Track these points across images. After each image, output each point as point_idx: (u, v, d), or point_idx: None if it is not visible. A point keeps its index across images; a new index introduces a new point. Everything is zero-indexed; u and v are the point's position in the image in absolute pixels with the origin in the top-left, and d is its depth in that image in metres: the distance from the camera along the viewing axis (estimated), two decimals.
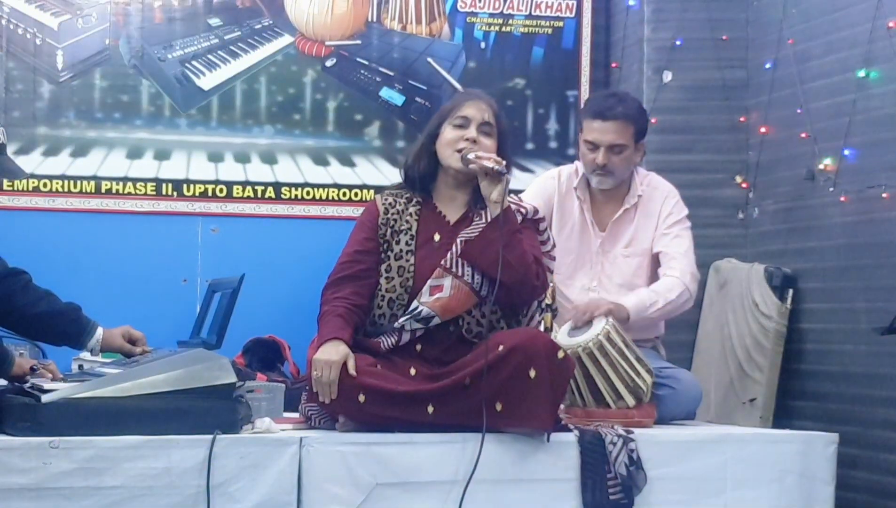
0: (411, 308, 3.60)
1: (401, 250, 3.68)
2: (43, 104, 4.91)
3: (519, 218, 3.68)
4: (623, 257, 4.35)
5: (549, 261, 3.75)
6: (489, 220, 3.60)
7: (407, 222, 3.71)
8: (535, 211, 3.77)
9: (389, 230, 3.70)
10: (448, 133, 3.71)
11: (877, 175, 4.36)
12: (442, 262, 3.62)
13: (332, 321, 3.56)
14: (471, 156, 3.61)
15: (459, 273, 3.60)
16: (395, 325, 3.60)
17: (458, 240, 3.63)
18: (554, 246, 3.81)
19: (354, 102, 5.18)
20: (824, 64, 4.66)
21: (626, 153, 4.29)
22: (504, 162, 3.61)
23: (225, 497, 3.22)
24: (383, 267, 3.67)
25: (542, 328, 3.78)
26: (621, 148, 4.27)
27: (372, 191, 4.89)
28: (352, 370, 3.44)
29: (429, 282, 3.60)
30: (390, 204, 3.74)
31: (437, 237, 3.69)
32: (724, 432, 3.95)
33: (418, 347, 3.62)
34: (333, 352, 3.46)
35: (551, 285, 3.82)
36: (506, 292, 3.56)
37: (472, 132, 3.68)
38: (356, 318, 3.61)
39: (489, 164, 3.57)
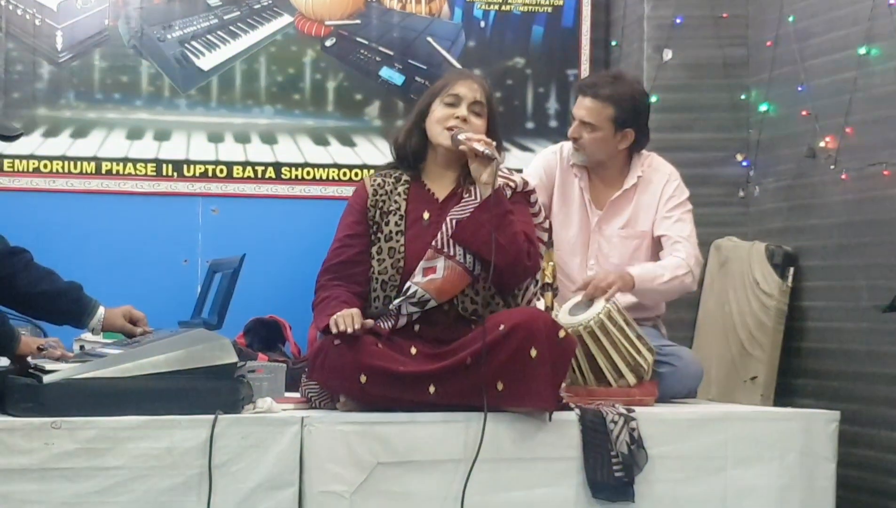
0: (405, 289, 3.59)
1: (390, 232, 3.66)
2: (42, 85, 4.90)
3: (508, 193, 3.66)
4: (620, 238, 4.34)
5: (541, 232, 3.73)
6: (479, 198, 3.57)
7: (396, 202, 3.69)
8: (525, 183, 3.75)
9: (378, 212, 3.69)
10: (438, 111, 3.69)
11: (878, 153, 4.36)
12: (433, 243, 3.60)
13: (337, 307, 3.54)
14: (461, 137, 3.58)
15: (451, 253, 3.58)
16: (391, 307, 3.59)
17: (449, 219, 3.60)
18: (546, 217, 3.80)
19: (354, 82, 5.17)
20: (825, 41, 4.65)
21: (599, 134, 4.28)
22: (494, 145, 3.58)
23: (227, 476, 3.23)
24: (374, 249, 3.66)
25: (542, 307, 3.78)
26: (592, 127, 4.27)
27: (372, 171, 4.89)
28: (369, 323, 3.45)
29: (421, 264, 3.58)
30: (379, 185, 3.73)
31: (426, 216, 3.67)
32: (725, 410, 3.95)
33: (416, 328, 3.62)
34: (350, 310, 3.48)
35: (552, 263, 3.82)
36: (498, 274, 3.54)
37: (462, 111, 3.66)
38: (357, 304, 3.59)
39: (479, 147, 3.53)
